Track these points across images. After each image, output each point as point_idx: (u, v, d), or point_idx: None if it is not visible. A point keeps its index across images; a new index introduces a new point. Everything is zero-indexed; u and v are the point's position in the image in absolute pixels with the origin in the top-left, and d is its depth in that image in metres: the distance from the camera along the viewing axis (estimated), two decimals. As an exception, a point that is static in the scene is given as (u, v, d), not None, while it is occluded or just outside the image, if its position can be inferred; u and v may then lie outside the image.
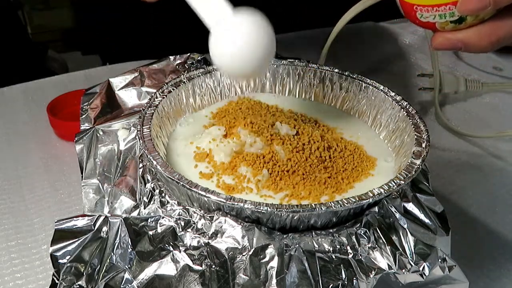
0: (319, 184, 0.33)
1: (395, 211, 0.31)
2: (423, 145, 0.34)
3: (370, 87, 0.40)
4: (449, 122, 0.60)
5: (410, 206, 0.32)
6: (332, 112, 0.42)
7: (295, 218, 0.28)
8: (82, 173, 0.37)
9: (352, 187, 0.34)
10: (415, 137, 0.34)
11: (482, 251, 0.44)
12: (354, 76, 0.41)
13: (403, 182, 0.30)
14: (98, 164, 0.37)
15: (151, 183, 0.32)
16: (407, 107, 0.37)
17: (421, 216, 0.32)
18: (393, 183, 0.30)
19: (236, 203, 0.27)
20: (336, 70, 0.41)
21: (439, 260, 0.30)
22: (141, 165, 0.34)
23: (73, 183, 0.48)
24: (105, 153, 0.37)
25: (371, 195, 0.29)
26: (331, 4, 0.64)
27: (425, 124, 0.35)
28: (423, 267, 0.30)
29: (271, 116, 0.39)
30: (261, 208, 0.27)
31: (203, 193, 0.28)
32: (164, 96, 0.37)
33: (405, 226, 0.31)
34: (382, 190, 0.29)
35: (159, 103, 0.36)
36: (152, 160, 0.30)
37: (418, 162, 0.32)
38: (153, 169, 0.32)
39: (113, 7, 0.66)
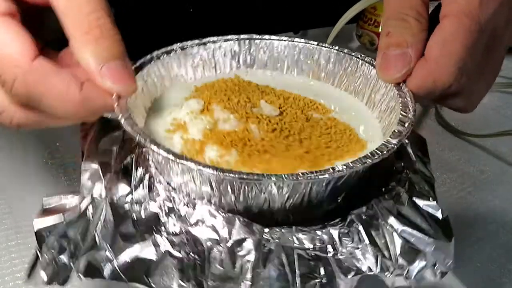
0: (294, 159, 0.31)
1: (386, 213, 0.30)
2: (406, 124, 0.31)
3: (367, 64, 0.38)
4: (449, 122, 0.60)
5: (405, 210, 0.32)
6: (329, 90, 0.40)
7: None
8: (82, 157, 0.37)
9: (332, 164, 0.31)
10: (400, 116, 0.32)
11: (482, 251, 0.44)
12: (353, 54, 0.39)
13: (370, 161, 0.28)
14: (100, 150, 0.37)
15: (142, 167, 0.32)
16: (401, 85, 0.34)
17: (417, 221, 0.31)
18: (358, 161, 0.28)
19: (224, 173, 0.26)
20: (336, 48, 0.40)
21: (430, 266, 0.29)
22: (136, 151, 0.34)
23: (74, 183, 0.48)
24: (107, 140, 0.37)
25: (331, 170, 0.27)
26: (331, 4, 0.64)
27: (415, 103, 0.33)
28: (408, 271, 0.29)
29: (260, 93, 0.37)
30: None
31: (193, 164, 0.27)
32: (152, 62, 0.36)
33: (395, 228, 0.30)
34: (345, 167, 0.27)
35: (145, 67, 0.35)
36: (122, 119, 0.29)
37: (394, 141, 0.29)
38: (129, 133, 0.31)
39: (112, 7, 0.66)
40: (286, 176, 0.26)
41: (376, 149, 0.29)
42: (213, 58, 0.39)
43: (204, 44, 0.39)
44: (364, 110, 0.38)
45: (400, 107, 0.32)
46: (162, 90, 0.37)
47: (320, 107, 0.37)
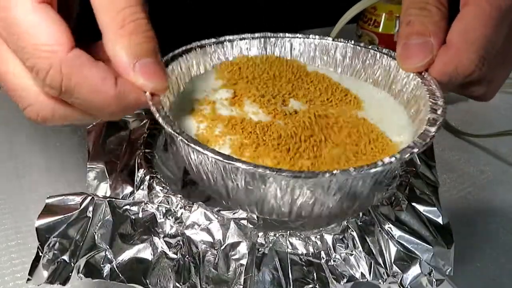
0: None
1: (383, 219, 0.30)
2: (439, 111, 0.30)
3: (385, 56, 0.38)
4: (449, 122, 0.60)
5: (404, 215, 0.31)
6: (350, 81, 0.40)
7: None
8: (88, 155, 0.37)
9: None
10: (429, 103, 0.31)
11: (482, 251, 0.44)
12: (370, 47, 0.39)
13: (416, 150, 0.27)
14: (106, 150, 0.37)
15: (143, 168, 0.32)
16: (424, 74, 0.34)
17: (416, 227, 0.31)
18: (404, 151, 0.27)
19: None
20: (352, 42, 0.40)
21: (426, 273, 0.29)
22: (140, 152, 0.34)
23: (74, 183, 0.49)
24: (114, 140, 0.38)
25: (381, 163, 0.26)
26: (331, 4, 0.64)
27: (441, 90, 0.32)
28: (402, 278, 0.29)
29: (293, 80, 0.37)
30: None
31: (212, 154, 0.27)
32: (175, 59, 0.36)
33: (392, 235, 0.30)
34: (394, 159, 0.26)
35: (169, 65, 0.35)
36: (159, 118, 0.29)
37: (433, 129, 0.29)
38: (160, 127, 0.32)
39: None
40: (338, 171, 0.26)
41: (418, 136, 0.28)
42: (230, 56, 0.40)
43: (221, 42, 0.39)
44: (388, 98, 0.37)
45: (428, 95, 0.32)
46: (183, 87, 0.37)
47: (354, 100, 0.37)
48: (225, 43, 0.39)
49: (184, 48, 0.37)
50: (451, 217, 0.34)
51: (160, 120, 0.28)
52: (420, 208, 0.33)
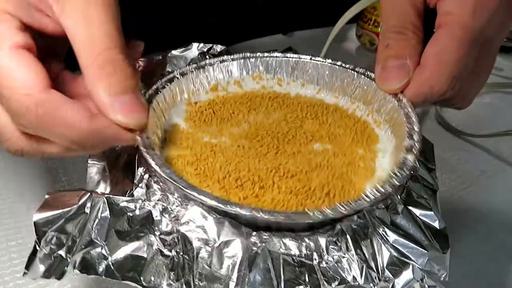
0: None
1: (378, 222, 0.30)
2: (415, 137, 0.32)
3: (362, 76, 0.39)
4: (449, 122, 0.60)
5: (399, 219, 0.31)
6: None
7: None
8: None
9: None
10: (406, 129, 0.32)
11: (482, 251, 0.44)
12: (347, 67, 0.40)
13: (398, 183, 0.29)
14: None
15: (143, 167, 0.33)
16: (399, 96, 0.35)
17: (411, 231, 0.31)
18: (386, 186, 0.29)
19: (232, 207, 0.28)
20: (329, 61, 0.41)
21: (418, 279, 0.29)
22: (139, 150, 0.35)
23: (74, 183, 0.49)
24: None
25: (367, 199, 0.28)
26: (331, 4, 0.64)
27: (417, 114, 0.34)
28: (393, 283, 0.29)
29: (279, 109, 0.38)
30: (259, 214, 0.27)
31: (197, 195, 0.28)
32: (159, 92, 0.37)
33: (386, 238, 0.30)
34: (377, 193, 0.29)
35: (153, 99, 0.36)
36: (147, 157, 0.31)
37: (411, 157, 0.30)
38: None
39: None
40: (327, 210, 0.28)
41: (399, 166, 0.30)
42: (213, 80, 0.41)
43: (202, 67, 0.40)
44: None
45: (404, 119, 0.33)
46: (169, 116, 0.38)
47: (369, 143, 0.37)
48: (206, 67, 0.40)
49: (166, 78, 0.38)
50: (450, 217, 0.33)
51: (156, 168, 0.30)
52: (417, 212, 0.32)
